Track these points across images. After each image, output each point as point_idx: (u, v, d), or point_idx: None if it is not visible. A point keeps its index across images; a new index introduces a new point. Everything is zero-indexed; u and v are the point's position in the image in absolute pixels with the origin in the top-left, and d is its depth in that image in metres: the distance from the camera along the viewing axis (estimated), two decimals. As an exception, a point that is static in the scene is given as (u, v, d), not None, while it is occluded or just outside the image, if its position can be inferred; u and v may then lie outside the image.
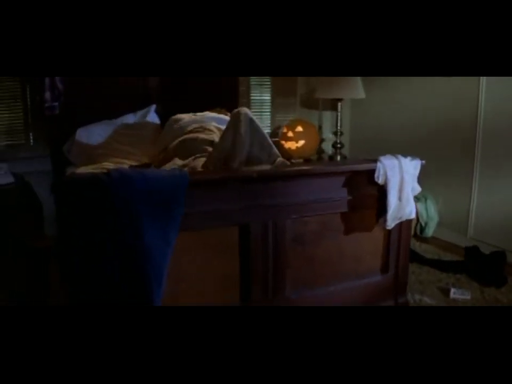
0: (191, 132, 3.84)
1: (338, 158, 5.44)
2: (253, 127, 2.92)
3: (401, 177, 3.03)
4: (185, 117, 4.24)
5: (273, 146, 3.02)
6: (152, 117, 4.76)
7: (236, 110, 3.11)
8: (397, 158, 3.06)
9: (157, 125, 4.72)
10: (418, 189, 3.18)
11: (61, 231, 2.38)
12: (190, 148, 3.57)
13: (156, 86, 4.92)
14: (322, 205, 2.89)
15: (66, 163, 4.48)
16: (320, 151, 5.74)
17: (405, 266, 3.32)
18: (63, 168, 4.44)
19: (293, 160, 5.05)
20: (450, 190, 4.81)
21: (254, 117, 3.04)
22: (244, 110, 3.01)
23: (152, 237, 2.26)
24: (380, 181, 2.99)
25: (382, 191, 3.04)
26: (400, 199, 3.06)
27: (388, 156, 3.06)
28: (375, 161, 2.99)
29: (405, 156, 3.11)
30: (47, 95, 4.37)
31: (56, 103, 4.40)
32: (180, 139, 3.76)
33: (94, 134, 4.52)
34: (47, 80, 4.36)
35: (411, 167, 3.11)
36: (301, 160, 5.19)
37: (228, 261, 2.68)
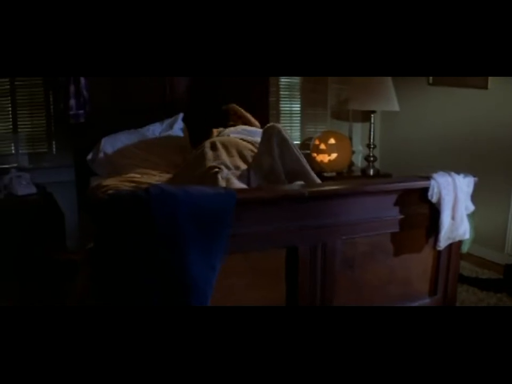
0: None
1: (371, 171, 5.23)
2: (287, 150, 2.89)
3: (455, 195, 2.88)
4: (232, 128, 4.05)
5: (309, 170, 2.94)
6: (180, 126, 4.56)
7: (267, 126, 3.04)
8: (450, 175, 2.91)
9: (184, 136, 4.53)
10: (471, 207, 3.03)
11: (97, 250, 2.16)
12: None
13: (184, 95, 4.72)
14: (373, 224, 2.70)
15: (91, 173, 4.30)
16: (350, 164, 5.53)
17: (454, 288, 3.16)
18: (87, 179, 4.27)
19: (325, 174, 4.87)
20: (487, 206, 4.57)
21: (287, 135, 2.96)
22: (277, 129, 2.93)
23: (195, 260, 2.05)
24: (434, 199, 2.83)
25: (433, 210, 2.87)
26: (453, 218, 2.91)
27: (441, 173, 2.91)
28: (428, 178, 2.84)
29: (457, 172, 2.97)
30: (72, 102, 4.21)
31: (82, 111, 4.23)
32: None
33: (119, 143, 4.33)
34: (72, 87, 4.20)
35: (464, 184, 2.96)
36: (334, 174, 4.98)
37: (273, 285, 2.47)
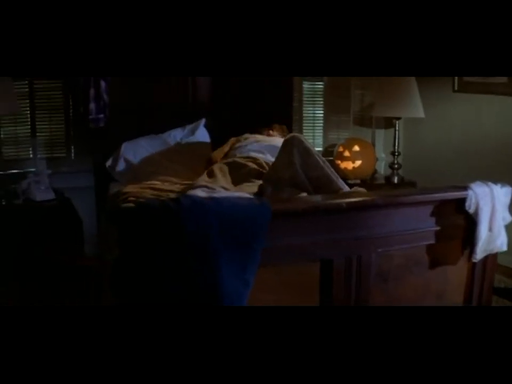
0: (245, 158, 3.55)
1: (396, 179, 5.10)
2: (309, 161, 2.85)
3: (492, 206, 2.78)
4: (252, 139, 3.94)
5: (334, 178, 2.88)
6: (202, 132, 4.45)
7: (288, 137, 3.00)
8: (488, 185, 2.81)
9: (207, 142, 4.43)
10: (509, 218, 2.91)
11: (122, 260, 2.05)
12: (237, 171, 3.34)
13: (206, 100, 4.62)
14: (409, 236, 2.60)
15: (110, 179, 4.21)
16: (373, 172, 5.40)
17: (488, 300, 3.05)
18: (106, 185, 4.18)
19: (349, 181, 4.75)
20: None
21: (309, 145, 2.91)
22: (297, 139, 2.89)
23: (227, 275, 1.94)
24: (471, 210, 2.72)
25: (470, 221, 2.76)
26: (491, 229, 2.79)
27: (478, 183, 2.81)
28: (465, 188, 2.73)
29: (495, 182, 2.86)
30: (92, 106, 4.14)
31: (102, 115, 4.16)
32: (230, 160, 3.48)
33: (140, 149, 4.24)
34: (92, 90, 4.13)
35: (502, 194, 2.85)
36: (358, 181, 4.86)
37: (306, 300, 2.36)
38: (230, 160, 3.50)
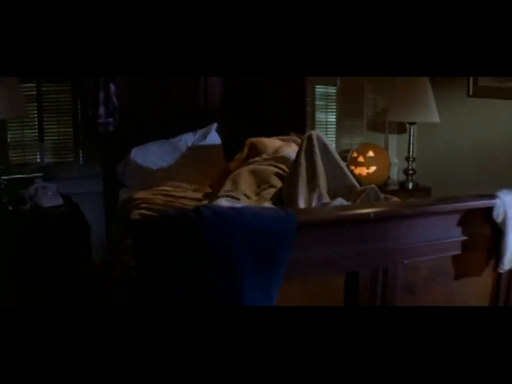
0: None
1: (410, 185, 5.00)
2: (327, 155, 2.91)
3: None
4: (268, 144, 3.84)
5: (349, 174, 3.02)
6: (213, 136, 4.36)
7: (308, 134, 3.01)
8: None
9: (218, 145, 4.32)
10: None
11: (139, 273, 1.95)
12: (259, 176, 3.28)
13: (218, 104, 4.53)
14: (436, 246, 2.48)
15: (120, 184, 4.12)
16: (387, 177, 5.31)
17: (513, 312, 2.90)
18: (116, 190, 4.09)
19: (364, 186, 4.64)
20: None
21: (327, 141, 2.99)
22: (316, 134, 2.95)
23: (251, 289, 1.82)
24: (499, 219, 2.59)
25: (496, 230, 2.62)
26: None
27: (506, 191, 2.67)
28: (493, 197, 2.59)
29: None
30: (101, 109, 4.05)
31: (111, 119, 4.07)
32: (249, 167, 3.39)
33: (150, 154, 4.16)
34: (101, 93, 4.04)
35: None
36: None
37: (330, 313, 2.24)
38: (251, 166, 3.41)
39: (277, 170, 3.29)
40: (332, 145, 3.12)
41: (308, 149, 2.93)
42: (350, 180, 2.99)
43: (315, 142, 2.91)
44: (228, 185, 3.10)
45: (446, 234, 2.52)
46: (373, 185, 3.10)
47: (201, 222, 1.74)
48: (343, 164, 3.02)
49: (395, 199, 3.23)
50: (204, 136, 4.33)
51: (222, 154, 4.23)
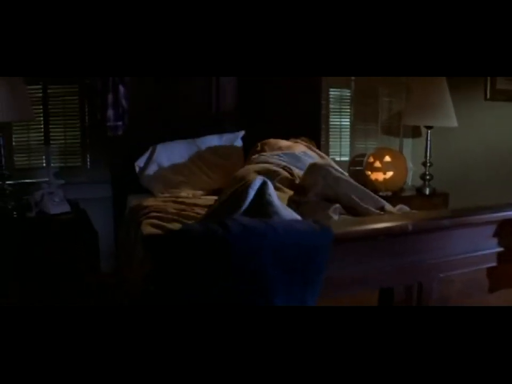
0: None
1: (427, 191, 4.85)
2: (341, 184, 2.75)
3: None
4: (283, 145, 3.71)
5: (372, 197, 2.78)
6: (239, 145, 4.25)
7: (311, 166, 2.90)
8: None
9: (239, 147, 4.22)
10: None
11: (158, 290, 1.79)
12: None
13: (231, 108, 4.38)
14: (471, 259, 2.34)
15: (129, 190, 3.97)
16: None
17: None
18: (125, 196, 3.95)
19: (380, 193, 4.49)
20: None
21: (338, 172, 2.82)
22: (324, 169, 2.79)
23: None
24: (536, 229, 2.44)
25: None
26: None
27: None
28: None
29: None
30: (110, 112, 3.90)
31: (120, 123, 3.92)
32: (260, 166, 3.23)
33: (173, 153, 4.01)
34: (110, 96, 3.89)
35: None
36: (389, 193, 4.59)
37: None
38: (262, 166, 3.27)
39: (288, 175, 3.14)
40: (344, 174, 2.92)
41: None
42: (379, 200, 2.78)
43: (321, 183, 2.74)
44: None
45: (482, 245, 2.39)
46: (402, 205, 2.95)
47: (229, 237, 1.58)
48: (363, 190, 2.81)
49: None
50: (231, 143, 4.21)
51: (242, 155, 4.12)
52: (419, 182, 5.02)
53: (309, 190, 2.76)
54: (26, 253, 3.61)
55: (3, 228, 3.65)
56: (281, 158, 3.46)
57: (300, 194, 2.79)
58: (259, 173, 2.98)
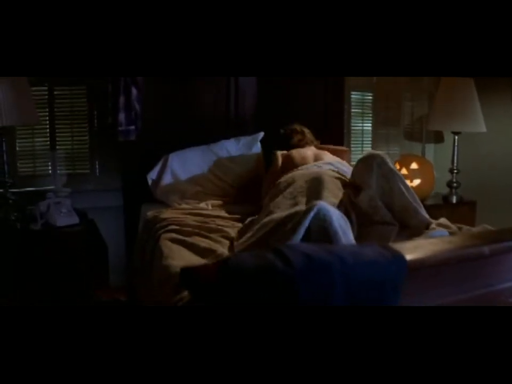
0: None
1: (454, 199, 4.61)
2: (391, 180, 2.59)
3: None
4: (310, 155, 3.48)
5: (414, 205, 2.57)
6: (257, 149, 3.97)
7: (368, 155, 2.72)
8: None
9: (258, 153, 3.95)
10: None
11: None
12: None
13: (250, 112, 4.14)
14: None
15: (142, 199, 3.72)
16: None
17: None
18: (138, 205, 3.70)
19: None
20: None
21: (392, 165, 2.64)
22: (379, 157, 2.65)
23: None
24: None
25: None
26: None
27: None
28: None
29: None
30: (122, 116, 3.66)
31: (133, 127, 3.68)
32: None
33: (188, 162, 3.76)
34: (121, 99, 3.65)
35: None
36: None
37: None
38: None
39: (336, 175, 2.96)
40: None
41: (366, 177, 2.60)
42: (422, 216, 2.57)
43: (375, 170, 2.59)
44: (285, 203, 2.69)
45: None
46: (444, 218, 2.71)
47: (293, 274, 1.30)
48: (412, 195, 2.62)
49: (466, 227, 2.80)
50: (249, 147, 3.92)
51: (262, 161, 3.87)
52: (442, 190, 4.80)
53: (362, 182, 2.60)
54: (30, 269, 3.37)
55: (5, 242, 3.40)
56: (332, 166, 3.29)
57: (354, 193, 2.63)
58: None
